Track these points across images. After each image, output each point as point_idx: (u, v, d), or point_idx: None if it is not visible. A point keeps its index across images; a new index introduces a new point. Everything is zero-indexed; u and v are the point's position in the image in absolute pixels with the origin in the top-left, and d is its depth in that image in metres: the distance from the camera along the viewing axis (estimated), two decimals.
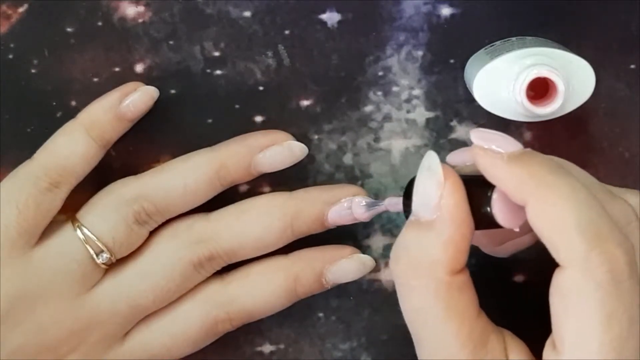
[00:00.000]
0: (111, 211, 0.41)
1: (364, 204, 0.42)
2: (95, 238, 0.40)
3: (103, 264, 0.41)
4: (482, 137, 0.35)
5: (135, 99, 0.42)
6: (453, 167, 0.36)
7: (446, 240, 0.34)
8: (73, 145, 0.41)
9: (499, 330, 0.36)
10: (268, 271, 0.43)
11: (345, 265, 0.43)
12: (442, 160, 0.35)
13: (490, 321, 0.36)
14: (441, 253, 0.34)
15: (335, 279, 0.43)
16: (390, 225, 0.46)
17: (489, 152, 0.35)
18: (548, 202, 0.33)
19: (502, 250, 0.41)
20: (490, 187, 0.35)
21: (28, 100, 0.44)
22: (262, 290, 0.43)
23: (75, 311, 0.41)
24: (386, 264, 0.46)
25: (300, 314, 0.46)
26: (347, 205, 0.42)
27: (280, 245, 0.43)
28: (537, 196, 0.33)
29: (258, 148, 0.42)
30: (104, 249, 0.41)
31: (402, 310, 0.36)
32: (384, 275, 0.46)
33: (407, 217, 0.37)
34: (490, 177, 0.35)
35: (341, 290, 0.46)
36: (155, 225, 0.42)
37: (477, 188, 0.35)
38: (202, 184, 0.42)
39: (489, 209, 0.35)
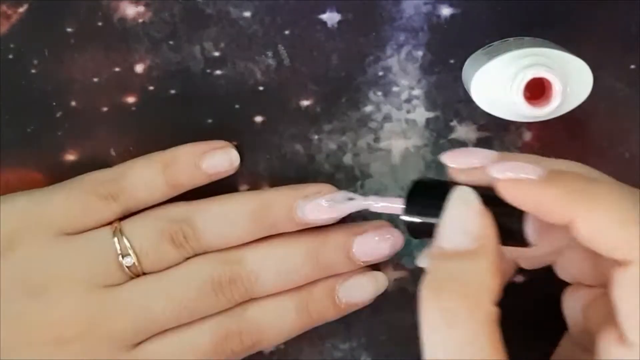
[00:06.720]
0: (152, 223, 0.42)
1: (326, 203, 0.42)
2: (125, 240, 0.42)
3: (127, 267, 0.42)
4: (507, 169, 0.35)
5: (214, 154, 0.43)
6: (451, 167, 0.36)
7: (493, 268, 0.34)
8: (144, 173, 0.43)
9: None
10: (281, 292, 0.44)
11: (357, 281, 0.44)
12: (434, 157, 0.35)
13: None
14: (491, 281, 0.34)
15: (348, 296, 0.44)
16: None
17: (518, 181, 0.35)
18: (600, 210, 0.33)
19: None
20: (516, 210, 0.35)
21: (28, 100, 0.44)
22: (274, 305, 0.43)
23: (88, 300, 0.41)
24: (385, 265, 0.46)
25: None
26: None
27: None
28: (586, 208, 0.33)
29: (302, 195, 0.43)
30: (131, 252, 0.42)
31: (440, 342, 0.34)
32: None
33: (407, 223, 0.36)
34: (525, 204, 0.34)
35: None
36: (191, 253, 0.43)
37: (499, 211, 0.35)
38: (243, 219, 0.43)
39: (521, 232, 0.35)
